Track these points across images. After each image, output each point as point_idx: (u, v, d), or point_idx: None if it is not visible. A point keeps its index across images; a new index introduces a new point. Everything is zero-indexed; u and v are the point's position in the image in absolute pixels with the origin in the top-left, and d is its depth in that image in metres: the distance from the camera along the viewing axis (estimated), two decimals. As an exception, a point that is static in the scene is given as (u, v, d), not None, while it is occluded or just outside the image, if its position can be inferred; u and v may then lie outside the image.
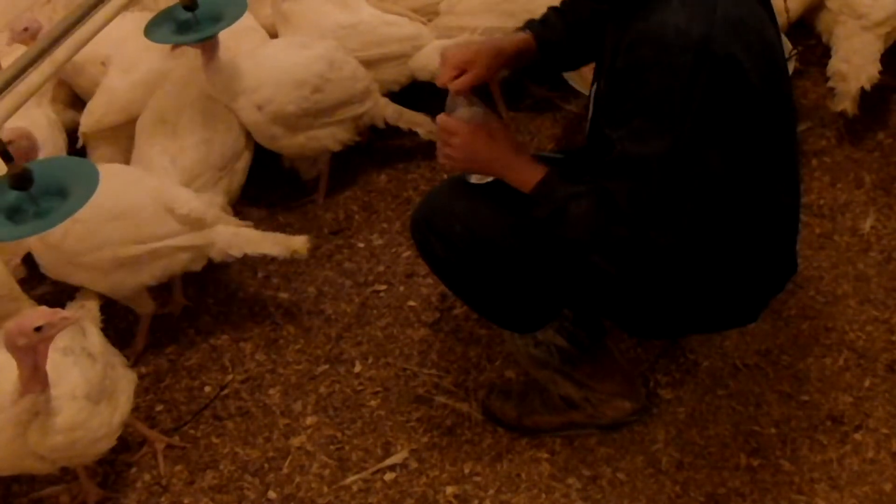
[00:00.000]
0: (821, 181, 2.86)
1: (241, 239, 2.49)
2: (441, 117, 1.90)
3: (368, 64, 2.99)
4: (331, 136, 2.90)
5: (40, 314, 1.93)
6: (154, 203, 2.42)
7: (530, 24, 2.08)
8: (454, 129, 1.86)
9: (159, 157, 2.66)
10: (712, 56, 1.61)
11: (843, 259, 2.61)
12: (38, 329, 1.90)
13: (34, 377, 1.94)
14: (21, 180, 1.89)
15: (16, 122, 2.13)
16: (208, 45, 2.66)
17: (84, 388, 2.05)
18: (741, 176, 1.77)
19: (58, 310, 1.97)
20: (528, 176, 1.83)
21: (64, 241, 2.33)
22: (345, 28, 3.00)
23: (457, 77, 1.90)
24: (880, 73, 2.82)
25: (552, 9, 2.10)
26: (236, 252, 2.48)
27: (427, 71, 3.04)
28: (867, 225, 2.70)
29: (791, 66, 2.75)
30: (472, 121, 1.87)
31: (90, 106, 2.85)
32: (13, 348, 1.92)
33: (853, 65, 2.82)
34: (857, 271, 2.57)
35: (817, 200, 2.79)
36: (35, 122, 2.61)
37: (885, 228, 2.68)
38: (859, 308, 2.46)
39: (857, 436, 2.18)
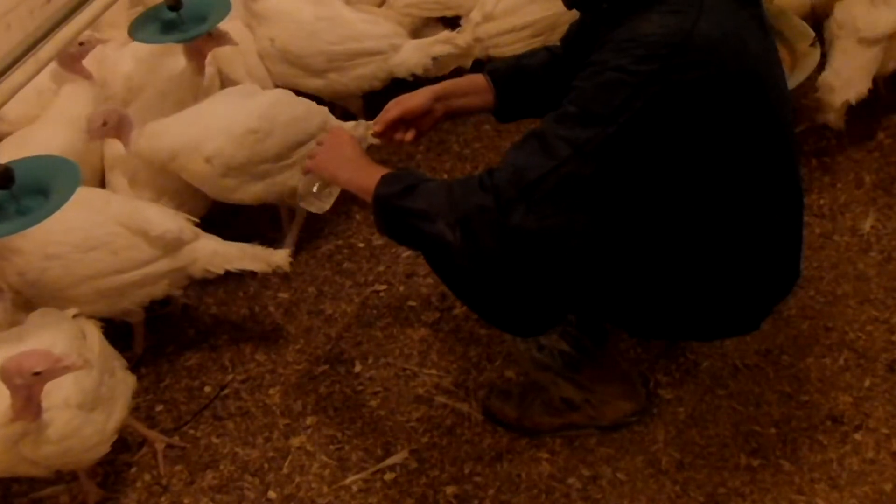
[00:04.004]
0: (821, 181, 2.86)
1: (221, 257, 2.46)
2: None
3: (346, 58, 3.01)
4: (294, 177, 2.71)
5: (41, 358, 1.89)
6: (127, 228, 2.37)
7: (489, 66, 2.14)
8: (334, 131, 1.99)
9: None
10: (674, 74, 1.59)
11: (843, 259, 2.61)
12: (36, 374, 1.87)
13: (26, 408, 1.91)
14: (2, 179, 1.89)
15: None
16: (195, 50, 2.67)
17: (77, 398, 2.02)
18: (717, 187, 1.76)
19: (59, 357, 1.91)
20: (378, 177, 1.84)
21: (43, 279, 2.30)
22: (322, 20, 3.01)
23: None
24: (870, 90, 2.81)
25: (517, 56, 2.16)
26: (217, 269, 2.45)
27: (405, 68, 3.05)
28: (867, 225, 2.70)
29: (817, 52, 2.76)
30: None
31: None
32: (8, 384, 1.89)
33: (843, 78, 2.80)
34: (857, 271, 2.56)
35: (817, 200, 2.79)
36: None
37: (885, 228, 2.68)
38: (859, 308, 2.46)
39: (857, 436, 2.18)
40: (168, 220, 2.41)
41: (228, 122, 2.61)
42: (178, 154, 2.58)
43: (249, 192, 2.67)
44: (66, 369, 1.91)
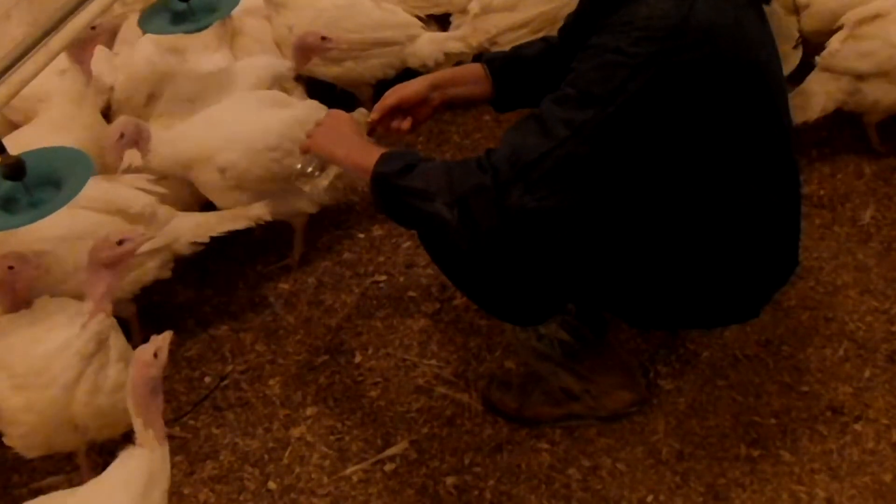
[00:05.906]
0: (821, 172, 2.86)
1: (203, 227, 2.49)
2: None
3: (364, 47, 3.01)
4: (307, 197, 2.66)
5: (121, 231, 2.08)
6: (106, 211, 2.36)
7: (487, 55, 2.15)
8: (332, 113, 1.99)
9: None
10: (672, 56, 1.60)
11: (843, 249, 2.61)
12: (119, 242, 2.03)
13: (106, 296, 2.04)
14: (15, 170, 1.89)
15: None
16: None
17: (119, 351, 2.09)
18: (714, 172, 1.77)
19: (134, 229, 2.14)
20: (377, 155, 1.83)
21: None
22: (341, 8, 3.01)
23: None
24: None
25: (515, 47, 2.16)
26: (203, 238, 2.49)
27: (418, 58, 3.08)
28: (867, 215, 2.70)
29: (798, 55, 2.73)
30: None
31: None
32: (93, 267, 2.04)
33: (801, 99, 2.73)
34: (857, 261, 2.57)
35: (817, 191, 2.79)
36: None
37: (885, 219, 2.68)
38: (859, 298, 2.46)
39: (857, 426, 2.18)
40: (142, 196, 2.44)
41: (249, 134, 2.53)
42: (192, 163, 2.53)
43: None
44: (143, 236, 2.09)
